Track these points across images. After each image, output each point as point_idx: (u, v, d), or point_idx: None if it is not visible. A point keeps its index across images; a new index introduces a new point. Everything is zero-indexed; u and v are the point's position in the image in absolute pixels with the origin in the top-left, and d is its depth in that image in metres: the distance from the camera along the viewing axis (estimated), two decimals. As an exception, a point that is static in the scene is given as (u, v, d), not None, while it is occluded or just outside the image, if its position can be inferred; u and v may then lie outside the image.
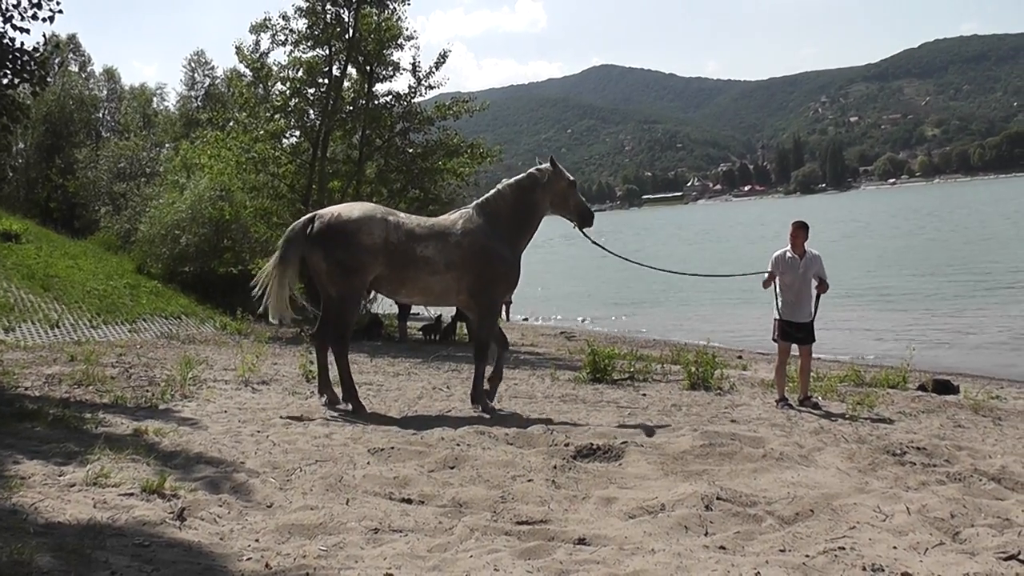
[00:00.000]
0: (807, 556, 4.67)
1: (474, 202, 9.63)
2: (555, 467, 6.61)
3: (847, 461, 6.94)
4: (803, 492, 5.88)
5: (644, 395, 11.29)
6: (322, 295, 9.28)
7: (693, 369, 12.24)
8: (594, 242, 9.84)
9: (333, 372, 9.49)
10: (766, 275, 10.51)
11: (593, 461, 6.95)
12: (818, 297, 10.35)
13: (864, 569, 4.46)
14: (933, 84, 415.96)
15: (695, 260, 47.13)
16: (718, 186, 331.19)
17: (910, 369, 13.64)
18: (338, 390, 9.42)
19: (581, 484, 6.27)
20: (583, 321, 28.57)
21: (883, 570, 4.44)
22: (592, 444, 7.29)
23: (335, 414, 8.93)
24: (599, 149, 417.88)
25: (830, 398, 11.39)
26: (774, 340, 10.66)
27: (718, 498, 5.67)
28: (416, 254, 8.96)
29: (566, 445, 7.33)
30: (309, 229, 9.00)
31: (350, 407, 9.16)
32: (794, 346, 10.69)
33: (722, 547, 4.84)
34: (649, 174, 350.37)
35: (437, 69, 21.84)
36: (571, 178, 9.71)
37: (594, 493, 6.02)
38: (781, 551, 4.78)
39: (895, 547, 4.78)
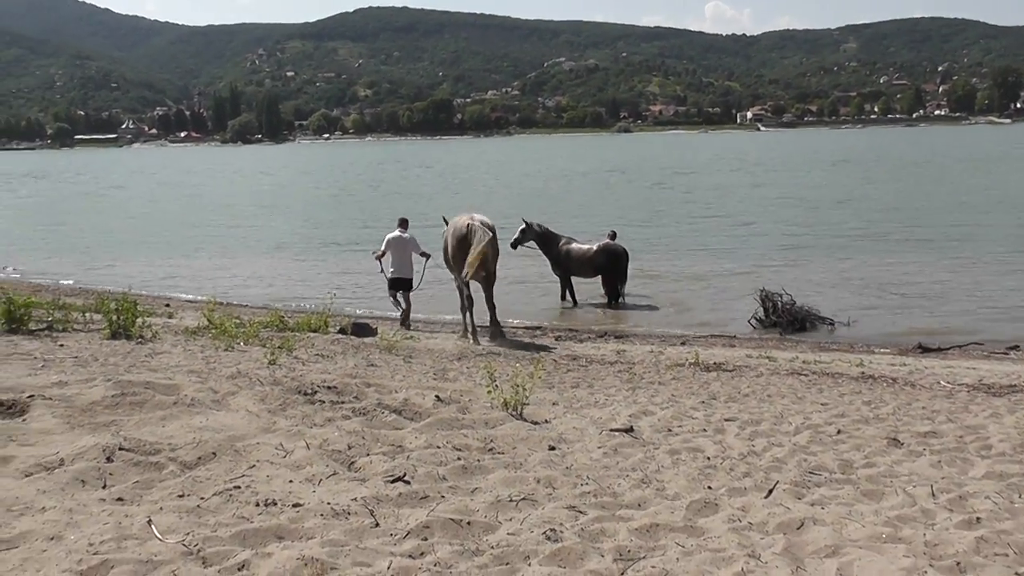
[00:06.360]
0: (202, 498, 4.66)
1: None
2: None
3: (259, 403, 6.97)
4: (209, 436, 5.80)
5: (62, 346, 10.37)
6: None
7: (115, 318, 11.52)
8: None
9: None
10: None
11: (-5, 418, 6.14)
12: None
13: (257, 505, 4.54)
14: (366, 48, 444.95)
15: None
16: (154, 130, 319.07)
17: (332, 314, 14.29)
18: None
19: (-26, 444, 5.50)
20: (5, 268, 25.57)
21: (276, 504, 4.55)
22: (-4, 400, 6.42)
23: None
24: (28, 82, 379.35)
25: (252, 343, 11.44)
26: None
27: (121, 448, 5.41)
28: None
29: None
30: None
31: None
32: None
33: (119, 499, 4.68)
34: (82, 113, 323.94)
35: None
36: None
37: (-11, 454, 5.32)
38: (179, 496, 4.75)
39: (291, 481, 4.91)
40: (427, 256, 15.84)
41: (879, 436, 7.38)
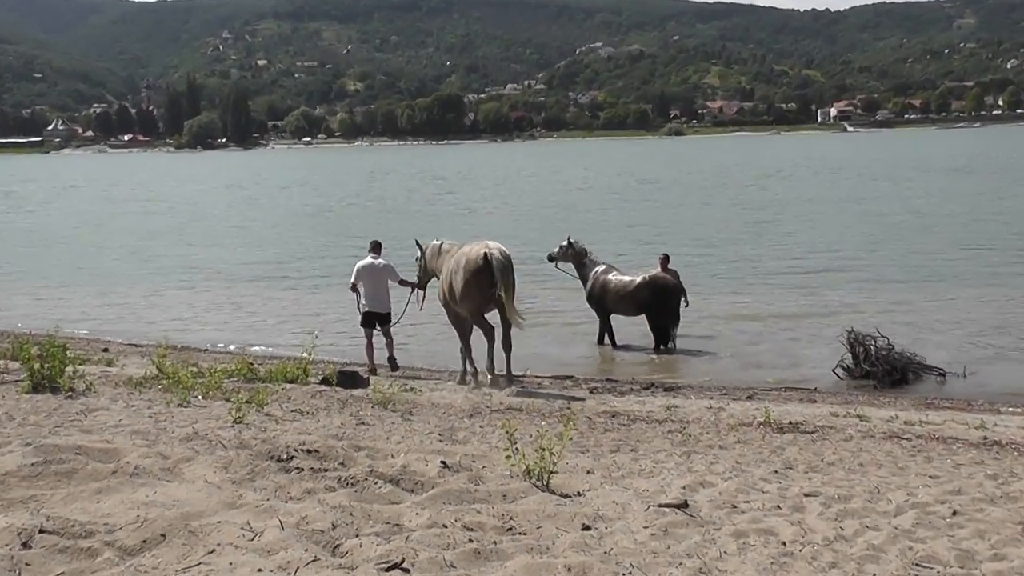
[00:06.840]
0: (147, 593, 4.61)
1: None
2: None
3: (221, 472, 7.00)
4: (157, 514, 5.81)
5: (-34, 403, 10.47)
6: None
7: (37, 366, 11.64)
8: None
9: None
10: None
11: None
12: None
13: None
14: (357, 31, 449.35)
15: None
16: (89, 132, 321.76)
17: (313, 360, 14.36)
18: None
19: None
20: None
21: (241, 599, 4.49)
22: None
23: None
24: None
25: (213, 397, 11.51)
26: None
27: (42, 531, 5.41)
28: None
29: None
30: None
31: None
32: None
33: (38, 596, 4.62)
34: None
35: None
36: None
37: None
38: (108, 588, 4.69)
39: (260, 570, 4.91)
40: (412, 285, 16.88)
41: (1010, 520, 7.29)
